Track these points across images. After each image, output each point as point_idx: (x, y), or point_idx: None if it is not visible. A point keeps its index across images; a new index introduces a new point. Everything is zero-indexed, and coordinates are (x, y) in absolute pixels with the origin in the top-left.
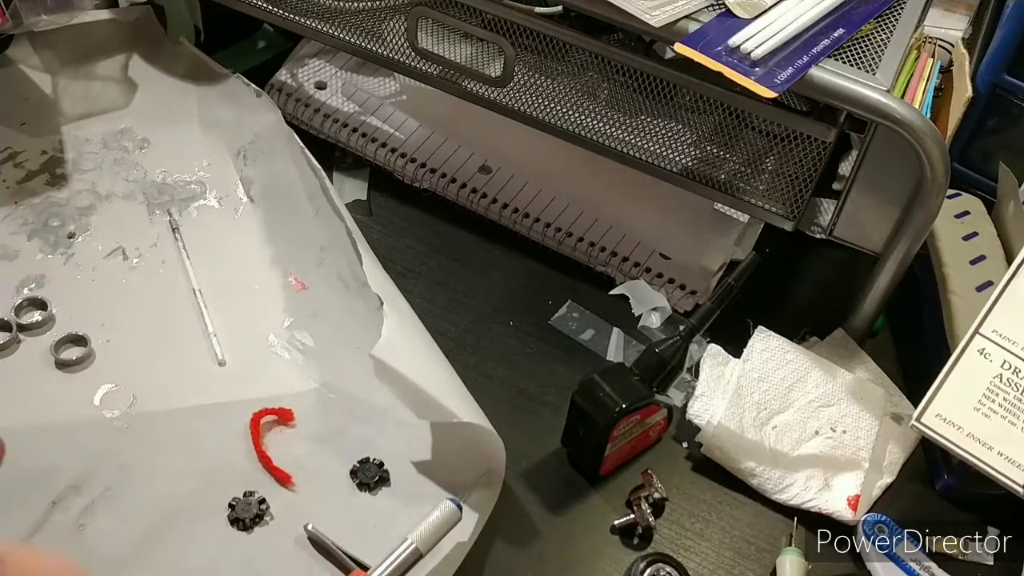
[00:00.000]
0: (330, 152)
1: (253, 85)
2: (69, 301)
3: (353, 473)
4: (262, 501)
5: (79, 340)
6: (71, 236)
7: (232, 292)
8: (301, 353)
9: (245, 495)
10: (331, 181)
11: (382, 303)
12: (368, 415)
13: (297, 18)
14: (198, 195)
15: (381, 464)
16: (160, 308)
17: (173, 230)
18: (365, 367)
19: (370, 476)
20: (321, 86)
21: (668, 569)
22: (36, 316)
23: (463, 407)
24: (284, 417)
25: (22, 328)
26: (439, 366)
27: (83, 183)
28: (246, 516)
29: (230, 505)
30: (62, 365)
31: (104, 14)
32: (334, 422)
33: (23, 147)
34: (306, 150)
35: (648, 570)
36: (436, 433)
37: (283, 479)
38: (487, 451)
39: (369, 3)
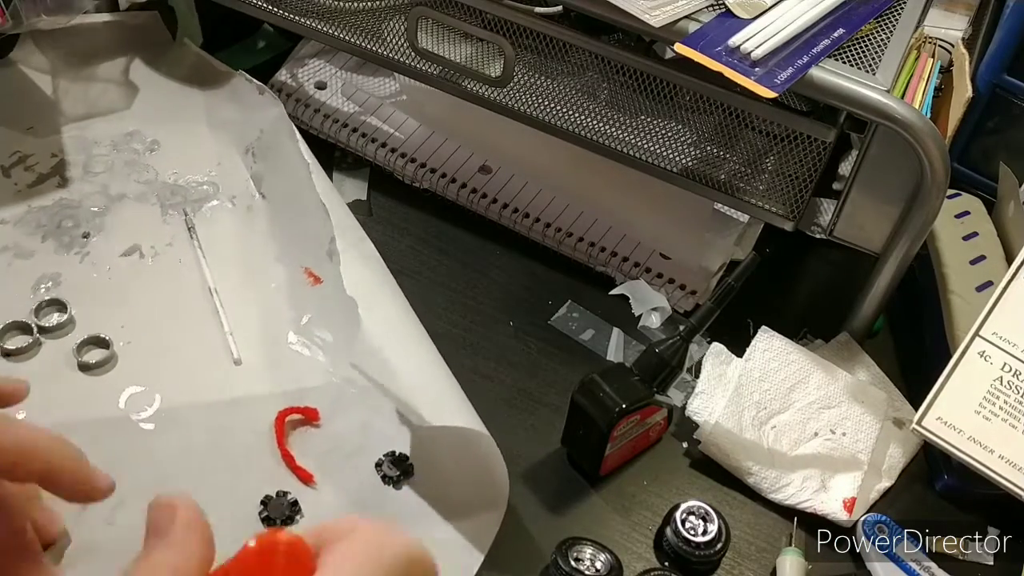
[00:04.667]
0: (330, 152)
1: (255, 81)
2: (87, 301)
3: (378, 466)
4: (295, 503)
5: (101, 342)
6: (86, 236)
7: (250, 290)
8: (321, 349)
9: (278, 495)
10: (331, 180)
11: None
12: (391, 409)
13: (297, 18)
14: (211, 195)
15: (405, 458)
16: (179, 308)
17: (189, 229)
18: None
19: (395, 470)
20: (321, 86)
21: None
22: (56, 318)
23: (443, 410)
24: (309, 416)
25: (43, 331)
26: (421, 367)
27: (94, 185)
28: (278, 516)
29: (263, 503)
30: (86, 368)
31: (109, 17)
32: (357, 417)
33: (32, 150)
34: (302, 142)
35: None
36: (435, 432)
37: (305, 478)
38: (484, 459)
39: (369, 3)
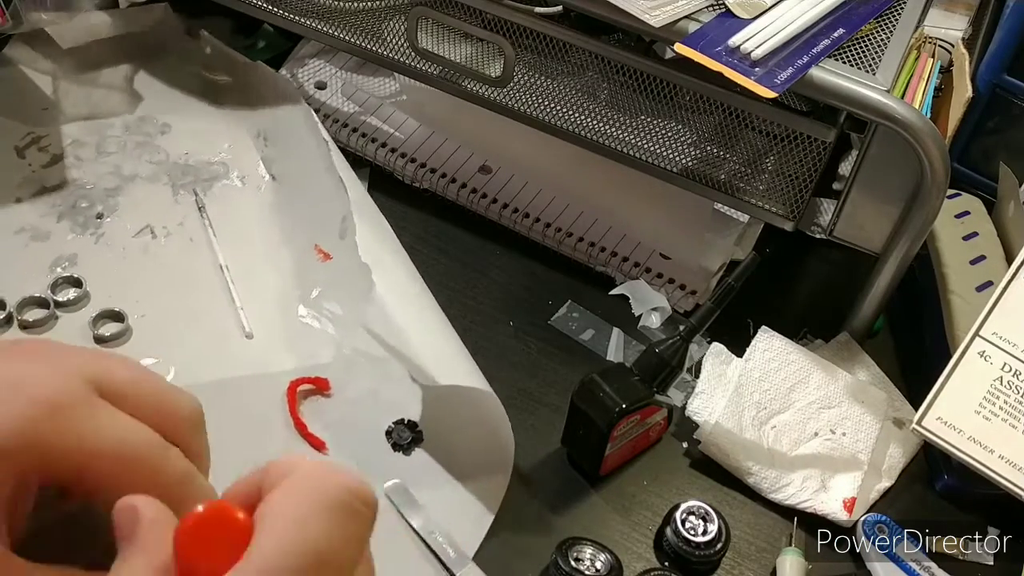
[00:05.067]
0: None
1: (271, 69)
2: (102, 278)
3: (388, 434)
4: None
5: (116, 316)
6: (99, 216)
7: (260, 267)
8: (331, 322)
9: None
10: (362, 187)
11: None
12: (401, 377)
13: (297, 18)
14: (221, 175)
15: (415, 424)
16: (191, 284)
17: (199, 209)
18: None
19: (404, 437)
20: (321, 86)
21: None
22: (71, 293)
23: (453, 371)
24: (320, 386)
25: (58, 305)
26: (432, 332)
27: (107, 166)
28: None
29: None
30: (101, 340)
31: (123, 12)
32: (367, 386)
33: (46, 131)
34: (320, 124)
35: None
36: (442, 395)
37: (318, 445)
38: (490, 421)
39: (369, 3)
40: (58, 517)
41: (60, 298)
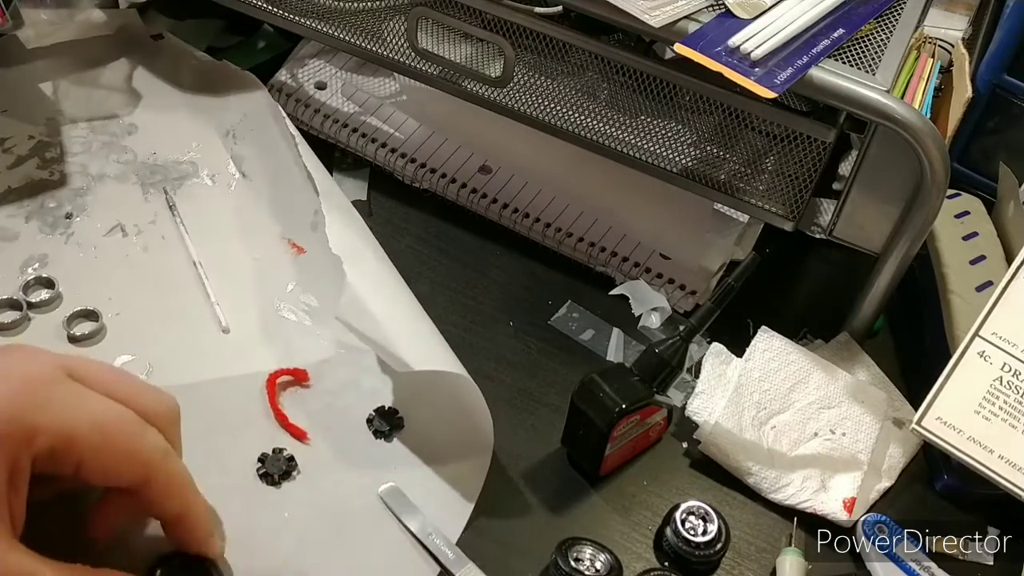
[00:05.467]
0: (330, 152)
1: (237, 68)
2: (74, 278)
3: (369, 422)
4: (291, 458)
5: (90, 315)
6: (68, 216)
7: (233, 262)
8: (307, 314)
9: (274, 451)
10: (330, 179)
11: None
12: (379, 366)
13: (297, 18)
14: (191, 174)
15: (395, 412)
16: (165, 281)
17: (170, 207)
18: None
19: (385, 424)
20: (321, 86)
21: None
22: (44, 294)
23: (428, 357)
24: (299, 377)
25: (31, 306)
26: (405, 319)
27: (74, 166)
28: (276, 471)
29: (259, 460)
30: (75, 340)
31: (88, 15)
32: (347, 376)
33: (9, 133)
34: (287, 120)
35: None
36: (419, 382)
37: (299, 435)
38: (468, 405)
39: (369, 3)
40: (51, 501)
41: (33, 299)
